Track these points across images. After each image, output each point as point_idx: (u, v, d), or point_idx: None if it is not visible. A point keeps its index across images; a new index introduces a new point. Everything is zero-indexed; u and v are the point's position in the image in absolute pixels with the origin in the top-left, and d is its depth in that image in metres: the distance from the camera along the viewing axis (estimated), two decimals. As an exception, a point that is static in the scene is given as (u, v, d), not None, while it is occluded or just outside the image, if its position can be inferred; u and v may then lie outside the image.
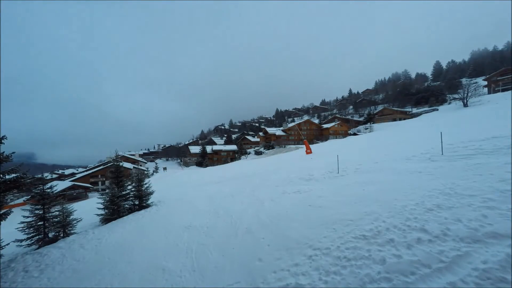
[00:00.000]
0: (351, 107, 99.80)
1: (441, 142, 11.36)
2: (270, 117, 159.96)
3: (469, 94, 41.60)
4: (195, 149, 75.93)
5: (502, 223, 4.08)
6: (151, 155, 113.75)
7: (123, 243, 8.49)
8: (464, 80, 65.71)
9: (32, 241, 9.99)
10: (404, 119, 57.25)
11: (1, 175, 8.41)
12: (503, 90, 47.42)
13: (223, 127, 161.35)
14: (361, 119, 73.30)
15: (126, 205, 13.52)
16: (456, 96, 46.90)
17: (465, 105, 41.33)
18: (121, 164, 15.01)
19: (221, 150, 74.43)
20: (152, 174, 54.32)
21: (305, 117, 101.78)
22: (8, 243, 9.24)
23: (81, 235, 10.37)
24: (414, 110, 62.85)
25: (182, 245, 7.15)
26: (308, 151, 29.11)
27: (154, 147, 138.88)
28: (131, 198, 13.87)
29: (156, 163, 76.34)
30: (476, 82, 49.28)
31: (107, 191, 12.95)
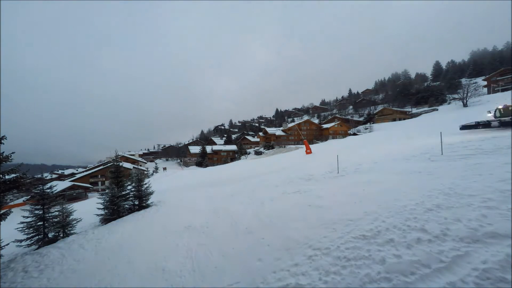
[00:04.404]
0: (351, 107, 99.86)
1: (441, 142, 11.37)
2: (270, 117, 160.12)
3: (469, 94, 41.69)
4: (195, 149, 75.97)
5: (502, 223, 4.08)
6: (150, 155, 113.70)
7: (123, 243, 8.49)
8: (463, 80, 65.78)
9: (32, 241, 9.98)
10: (404, 119, 57.31)
11: (1, 175, 8.40)
12: (502, 90, 47.47)
13: (223, 127, 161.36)
14: (361, 119, 73.36)
15: (126, 205, 13.50)
16: (455, 96, 47.02)
17: (465, 105, 41.41)
18: (120, 164, 15.01)
19: (221, 150, 74.44)
20: (152, 174, 54.30)
21: (305, 117, 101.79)
22: (8, 243, 9.24)
23: (81, 235, 10.36)
24: (414, 110, 62.91)
25: (182, 245, 7.14)
26: (308, 151, 29.14)
27: (154, 147, 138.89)
28: (131, 198, 13.85)
29: (156, 163, 76.32)
30: (475, 82, 49.39)
31: (107, 191, 12.92)
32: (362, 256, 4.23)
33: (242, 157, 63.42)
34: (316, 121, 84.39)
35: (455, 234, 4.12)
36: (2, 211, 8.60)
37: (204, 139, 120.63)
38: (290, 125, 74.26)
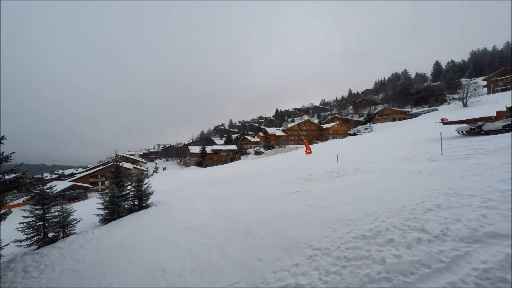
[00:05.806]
0: (351, 107, 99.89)
1: (441, 142, 11.38)
2: (270, 117, 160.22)
3: (469, 94, 41.70)
4: (195, 149, 75.95)
5: (502, 223, 4.07)
6: (150, 155, 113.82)
7: (123, 243, 8.49)
8: (463, 80, 65.90)
9: (32, 241, 9.98)
10: (404, 119, 57.33)
11: (1, 175, 8.40)
12: (502, 90, 47.52)
13: (223, 127, 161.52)
14: (361, 119, 73.36)
15: (126, 205, 13.51)
16: (455, 96, 47.02)
17: (465, 105, 41.41)
18: (120, 164, 15.02)
19: (221, 150, 74.43)
20: (152, 174, 54.30)
21: (305, 117, 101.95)
22: (8, 243, 9.24)
23: (81, 235, 10.36)
24: (414, 110, 62.90)
25: (182, 245, 7.14)
26: (308, 151, 29.12)
27: (154, 147, 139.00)
28: (131, 198, 13.86)
29: (156, 163, 76.39)
30: (475, 82, 49.45)
31: (107, 191, 12.93)
32: (362, 256, 4.23)
33: (242, 157, 63.41)
34: (316, 121, 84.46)
35: (455, 234, 4.12)
36: (2, 211, 8.60)
37: (204, 139, 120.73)
38: (290, 125, 74.29)
